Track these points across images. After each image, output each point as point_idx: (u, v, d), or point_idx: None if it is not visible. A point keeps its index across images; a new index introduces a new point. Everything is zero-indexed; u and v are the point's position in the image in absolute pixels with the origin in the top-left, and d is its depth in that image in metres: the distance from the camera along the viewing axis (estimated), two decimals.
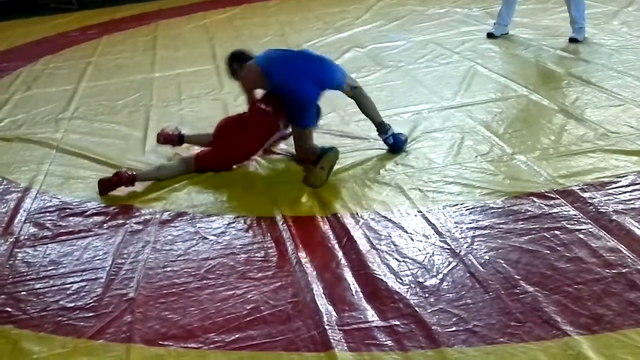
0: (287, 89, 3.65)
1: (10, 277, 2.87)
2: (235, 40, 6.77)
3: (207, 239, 3.02)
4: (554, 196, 3.03)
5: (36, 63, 6.79)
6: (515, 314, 2.31)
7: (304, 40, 6.48)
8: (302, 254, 2.80)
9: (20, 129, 4.80)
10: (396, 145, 3.71)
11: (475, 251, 2.69)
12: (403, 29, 6.51)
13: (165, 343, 2.36)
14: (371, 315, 2.39)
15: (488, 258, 2.64)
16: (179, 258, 2.89)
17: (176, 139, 4.07)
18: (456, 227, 2.88)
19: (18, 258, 3.02)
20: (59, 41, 7.76)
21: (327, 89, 3.76)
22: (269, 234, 3.00)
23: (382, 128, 3.76)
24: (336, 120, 4.30)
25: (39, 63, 6.79)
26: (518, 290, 2.43)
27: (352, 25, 6.90)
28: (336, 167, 3.56)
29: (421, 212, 3.03)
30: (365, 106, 3.83)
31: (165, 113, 4.80)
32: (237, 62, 4.03)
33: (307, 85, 3.64)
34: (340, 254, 2.79)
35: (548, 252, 2.64)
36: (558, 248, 2.65)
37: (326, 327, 2.34)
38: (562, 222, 2.82)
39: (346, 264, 2.72)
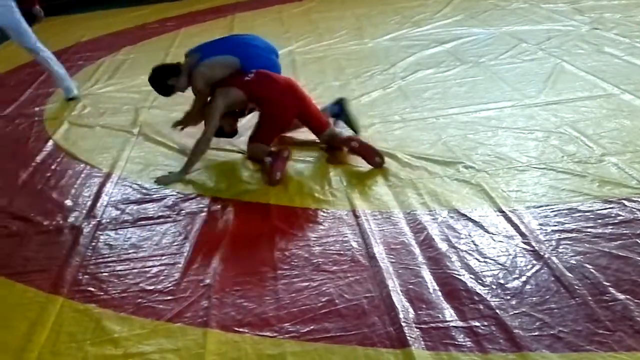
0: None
1: (93, 258, 2.96)
2: (311, 34, 6.78)
3: (283, 229, 3.02)
4: None
5: (117, 53, 7.01)
6: (604, 322, 2.19)
7: (381, 34, 6.40)
8: (378, 249, 2.75)
9: (102, 117, 4.96)
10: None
11: (561, 255, 2.57)
12: (485, 24, 6.34)
13: (241, 330, 2.36)
14: (450, 314, 2.32)
15: (575, 262, 2.52)
16: (254, 247, 2.90)
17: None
18: (540, 229, 2.77)
19: (100, 240, 3.10)
20: (139, 33, 7.96)
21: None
22: (344, 228, 2.97)
23: None
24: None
25: (120, 53, 7.00)
26: (607, 297, 2.31)
27: (431, 19, 6.77)
28: (415, 163, 3.50)
29: (503, 212, 2.93)
30: None
31: None
32: (173, 76, 3.89)
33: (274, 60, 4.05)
34: (417, 251, 2.73)
35: None
36: None
37: (403, 324, 2.29)
38: None
39: (423, 261, 2.65)
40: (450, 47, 5.66)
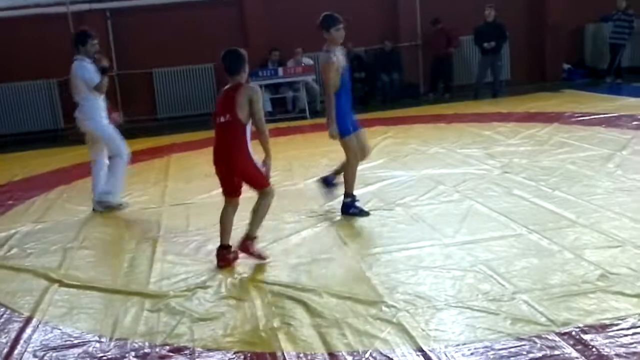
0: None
1: None
2: None
3: None
4: (555, 338, 3.02)
5: (50, 192, 7.02)
6: None
7: (310, 175, 6.67)
8: None
9: (29, 258, 4.88)
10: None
11: None
12: (406, 167, 6.75)
13: None
14: None
15: None
16: None
17: None
18: None
19: None
20: (74, 172, 8.02)
21: None
22: None
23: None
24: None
25: (53, 192, 7.02)
26: None
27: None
28: (339, 302, 3.60)
29: (423, 351, 3.02)
30: None
31: (172, 244, 4.89)
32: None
33: None
34: None
35: None
36: None
37: None
38: None
39: None
40: (374, 189, 5.97)
